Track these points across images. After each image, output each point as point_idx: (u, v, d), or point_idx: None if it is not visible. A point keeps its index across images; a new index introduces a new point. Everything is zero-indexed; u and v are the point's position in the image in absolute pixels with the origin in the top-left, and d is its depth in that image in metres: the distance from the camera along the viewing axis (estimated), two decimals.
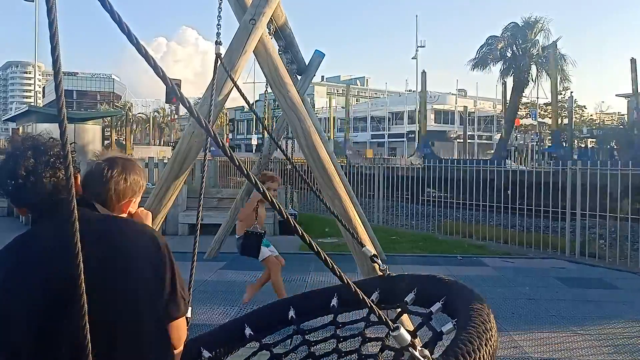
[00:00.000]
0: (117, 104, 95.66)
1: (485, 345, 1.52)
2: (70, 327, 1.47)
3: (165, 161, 15.75)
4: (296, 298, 2.66)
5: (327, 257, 1.39)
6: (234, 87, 3.97)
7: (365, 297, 1.44)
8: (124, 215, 1.86)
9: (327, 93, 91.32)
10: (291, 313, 2.52)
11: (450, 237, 11.23)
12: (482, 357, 1.48)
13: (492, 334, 1.58)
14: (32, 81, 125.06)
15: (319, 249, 1.41)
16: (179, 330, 1.77)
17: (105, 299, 1.53)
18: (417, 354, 1.41)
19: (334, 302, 2.47)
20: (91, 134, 18.86)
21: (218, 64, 3.79)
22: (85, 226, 1.58)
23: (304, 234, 1.37)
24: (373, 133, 66.94)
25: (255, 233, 5.33)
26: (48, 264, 1.51)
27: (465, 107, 57.47)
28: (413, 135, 55.86)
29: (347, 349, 2.37)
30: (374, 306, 1.46)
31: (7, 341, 1.49)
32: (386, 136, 63.32)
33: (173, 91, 1.27)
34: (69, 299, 1.46)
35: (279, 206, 1.35)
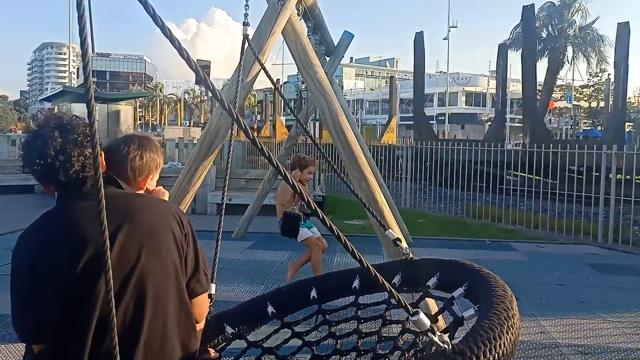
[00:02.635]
0: (148, 85, 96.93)
1: (507, 332, 1.51)
2: (97, 303, 1.51)
3: (195, 142, 15.94)
4: (318, 278, 2.68)
5: (347, 241, 1.39)
6: (262, 69, 3.97)
7: (385, 281, 1.44)
8: (142, 191, 1.90)
9: (355, 75, 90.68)
10: (313, 293, 2.54)
11: (479, 220, 11.11)
12: (502, 344, 1.47)
13: (514, 322, 1.57)
14: (67, 62, 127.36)
15: (339, 233, 1.41)
16: (202, 306, 1.82)
17: (132, 274, 1.57)
18: (436, 339, 1.41)
19: (356, 283, 2.48)
20: (124, 114, 19.22)
21: (245, 46, 3.80)
22: (110, 203, 1.62)
23: (324, 217, 1.38)
24: (402, 115, 66.23)
25: (292, 215, 5.43)
26: (75, 241, 1.55)
27: None
28: (443, 118, 55.02)
29: (368, 331, 2.38)
30: (393, 290, 1.46)
31: (36, 317, 1.54)
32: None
33: (197, 73, 1.28)
34: (96, 275, 1.51)
35: (300, 189, 1.35)
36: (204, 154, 4.07)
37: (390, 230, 2.51)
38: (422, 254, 7.69)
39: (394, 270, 2.42)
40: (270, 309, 2.56)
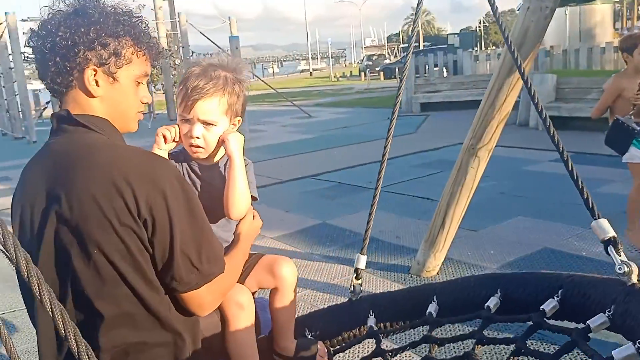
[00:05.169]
0: None
1: None
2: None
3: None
4: (514, 276, 1.69)
5: None
6: None
7: None
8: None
9: None
10: (492, 301, 1.58)
11: None
12: None
13: None
14: None
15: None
16: (193, 301, 1.30)
17: (47, 253, 1.23)
18: None
19: (551, 304, 1.39)
20: (599, 15, 16.84)
21: None
22: (61, 156, 1.28)
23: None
24: None
25: (624, 126, 3.79)
26: (18, 196, 1.32)
27: None
28: None
29: None
30: None
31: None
32: None
33: None
34: (28, 239, 1.29)
35: None
36: (508, 68, 3.05)
37: (601, 221, 1.22)
38: None
39: (607, 298, 1.22)
40: (432, 307, 1.75)
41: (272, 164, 8.98)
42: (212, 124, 1.49)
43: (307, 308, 3.55)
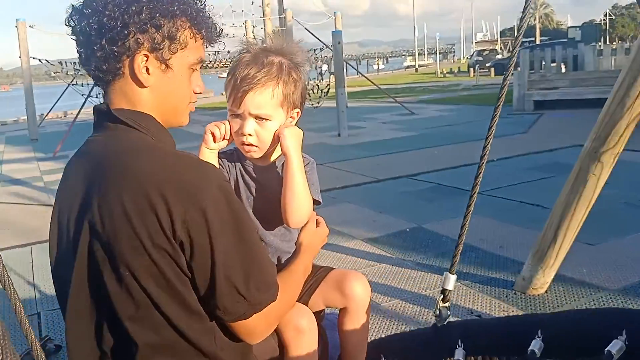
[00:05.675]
0: None
1: None
2: (68, 287, 1.15)
3: None
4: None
5: None
6: None
7: None
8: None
9: None
10: (618, 344, 1.27)
11: None
12: None
13: None
14: None
15: None
16: (242, 328, 1.13)
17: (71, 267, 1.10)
18: None
19: None
20: None
21: None
22: (91, 159, 1.15)
23: None
24: None
25: None
26: (58, 198, 1.20)
27: None
28: None
29: None
30: None
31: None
32: None
33: None
34: (63, 249, 1.17)
35: None
36: None
37: None
38: None
39: None
40: (536, 344, 1.43)
41: (368, 161, 8.73)
42: (266, 119, 1.28)
43: (394, 321, 3.26)
